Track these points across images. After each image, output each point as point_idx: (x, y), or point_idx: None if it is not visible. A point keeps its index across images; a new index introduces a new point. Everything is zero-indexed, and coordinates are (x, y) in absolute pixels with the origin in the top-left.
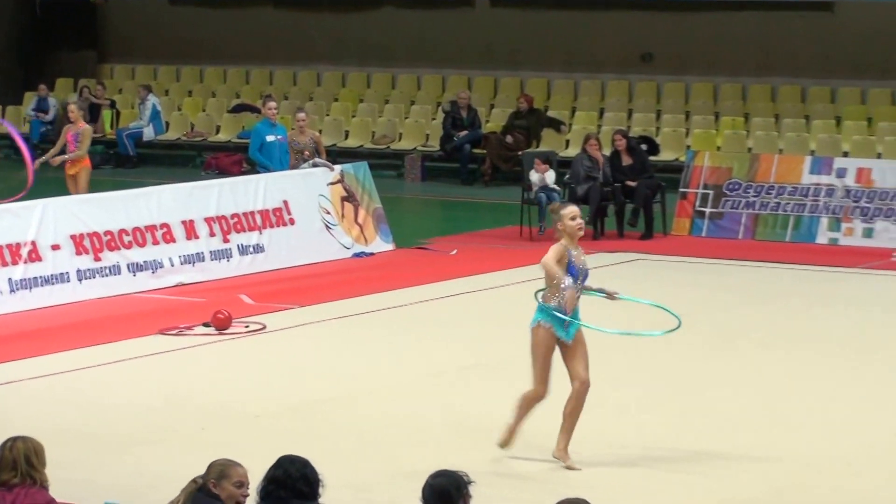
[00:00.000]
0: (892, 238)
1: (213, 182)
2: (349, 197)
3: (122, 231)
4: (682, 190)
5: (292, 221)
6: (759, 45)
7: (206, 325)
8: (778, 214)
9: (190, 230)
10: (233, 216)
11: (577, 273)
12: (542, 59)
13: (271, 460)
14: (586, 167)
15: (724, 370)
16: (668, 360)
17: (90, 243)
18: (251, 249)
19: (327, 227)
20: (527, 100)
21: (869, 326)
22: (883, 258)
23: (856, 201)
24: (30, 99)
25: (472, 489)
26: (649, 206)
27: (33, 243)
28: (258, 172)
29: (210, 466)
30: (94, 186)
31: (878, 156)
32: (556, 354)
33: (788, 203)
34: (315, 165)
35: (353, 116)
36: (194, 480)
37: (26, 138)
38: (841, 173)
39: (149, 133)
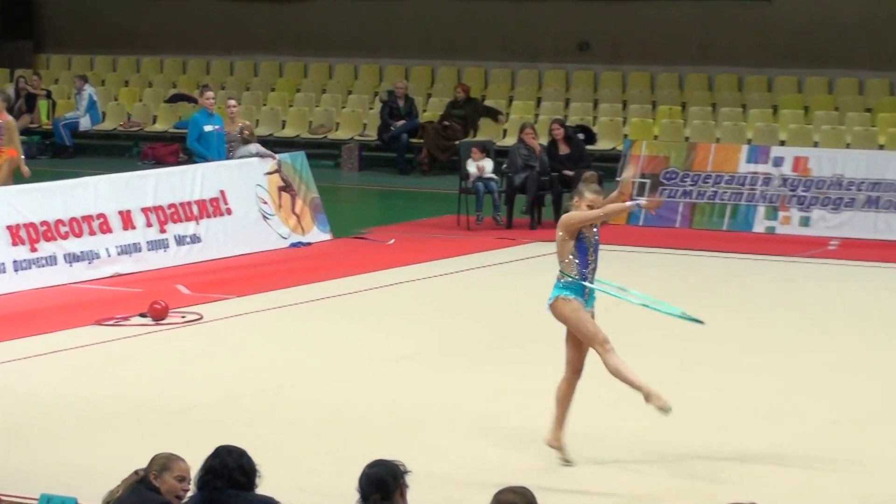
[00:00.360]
0: (829, 226)
1: (149, 172)
2: (286, 187)
3: (58, 221)
4: (618, 179)
5: (229, 211)
6: (696, 34)
7: (142, 315)
8: (715, 203)
9: (127, 220)
10: (170, 206)
11: (585, 246)
12: (479, 49)
13: (208, 450)
14: (523, 156)
15: (657, 363)
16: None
17: (26, 234)
18: (188, 239)
19: (264, 217)
20: (463, 89)
21: (807, 316)
22: (819, 246)
23: (792, 190)
24: None
25: (408, 479)
26: None
27: None
28: (195, 162)
29: (153, 459)
30: (32, 177)
31: (815, 144)
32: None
33: (725, 192)
34: (259, 155)
35: (291, 106)
36: (136, 472)
37: None
38: (778, 162)
39: (85, 123)
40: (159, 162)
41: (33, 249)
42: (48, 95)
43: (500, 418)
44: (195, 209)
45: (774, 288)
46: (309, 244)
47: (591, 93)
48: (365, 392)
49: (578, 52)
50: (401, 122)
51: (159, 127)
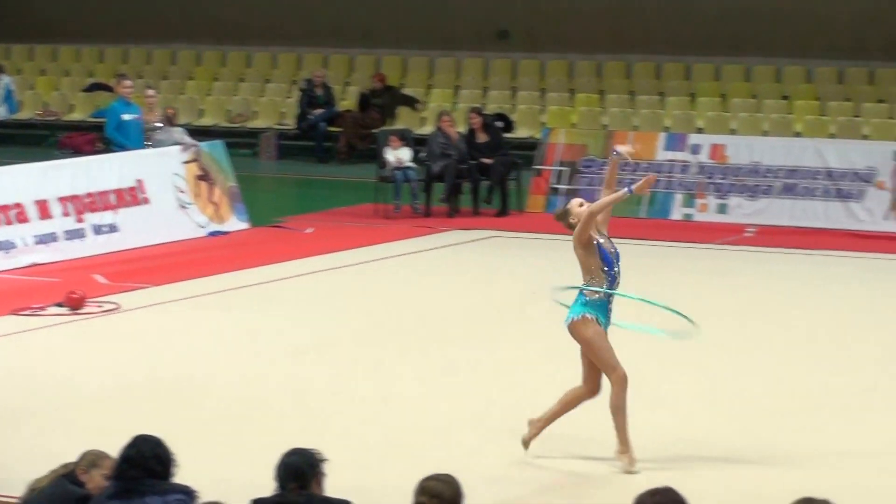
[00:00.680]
0: (746, 214)
1: (66, 161)
2: (204, 176)
3: None
4: (537, 167)
5: (147, 200)
6: (613, 22)
7: (59, 305)
8: None
9: (43, 210)
10: (87, 196)
11: (610, 258)
12: (397, 37)
13: (124, 440)
14: (441, 144)
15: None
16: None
17: None
18: (105, 229)
19: (182, 206)
20: (380, 78)
21: (727, 302)
22: (737, 233)
23: (710, 177)
24: None
25: (324, 467)
26: (504, 183)
27: None
28: (112, 151)
29: (83, 455)
30: None
31: (732, 132)
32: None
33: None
34: (181, 143)
35: (208, 95)
36: (65, 465)
37: None
38: (695, 149)
39: (2, 113)
40: (77, 151)
41: None
42: None
43: (423, 403)
44: (112, 198)
45: (691, 275)
46: (227, 233)
47: (509, 81)
48: (281, 381)
49: (497, 41)
50: (319, 111)
51: (77, 116)
